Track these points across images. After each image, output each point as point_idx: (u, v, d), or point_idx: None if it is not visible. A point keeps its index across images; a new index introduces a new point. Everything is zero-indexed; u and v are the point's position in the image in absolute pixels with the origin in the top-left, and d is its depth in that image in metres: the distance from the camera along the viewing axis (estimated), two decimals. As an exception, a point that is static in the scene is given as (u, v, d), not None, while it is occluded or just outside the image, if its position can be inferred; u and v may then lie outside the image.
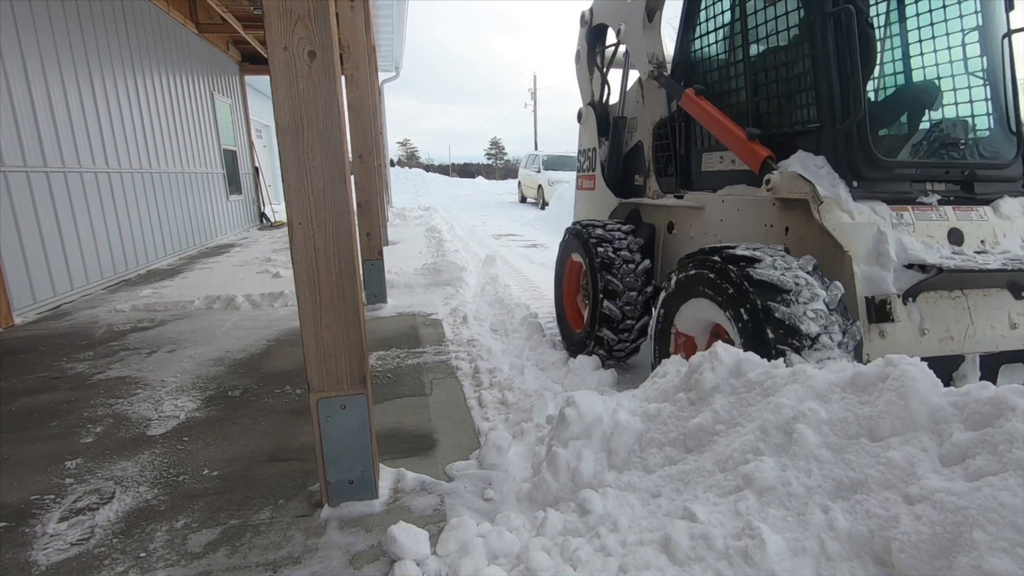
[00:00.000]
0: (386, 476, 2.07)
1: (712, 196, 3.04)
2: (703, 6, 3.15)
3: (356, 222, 2.10)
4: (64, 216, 5.09)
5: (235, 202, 10.63)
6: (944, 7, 2.64)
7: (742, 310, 2.13)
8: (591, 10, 4.27)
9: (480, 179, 37.32)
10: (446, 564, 1.60)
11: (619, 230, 3.59)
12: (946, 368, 2.28)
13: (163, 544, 1.77)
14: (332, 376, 1.78)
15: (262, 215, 12.37)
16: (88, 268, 5.46)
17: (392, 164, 28.44)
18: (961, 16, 2.61)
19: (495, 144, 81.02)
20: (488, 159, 78.03)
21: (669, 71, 3.44)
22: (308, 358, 1.76)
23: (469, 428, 2.57)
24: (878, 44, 2.78)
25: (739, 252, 2.25)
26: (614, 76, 4.26)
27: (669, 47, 3.49)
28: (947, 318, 2.28)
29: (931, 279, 2.14)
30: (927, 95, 2.63)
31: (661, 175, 3.60)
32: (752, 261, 2.18)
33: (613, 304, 3.33)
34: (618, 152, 4.15)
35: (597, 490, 1.80)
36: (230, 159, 10.48)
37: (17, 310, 4.42)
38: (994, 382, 2.29)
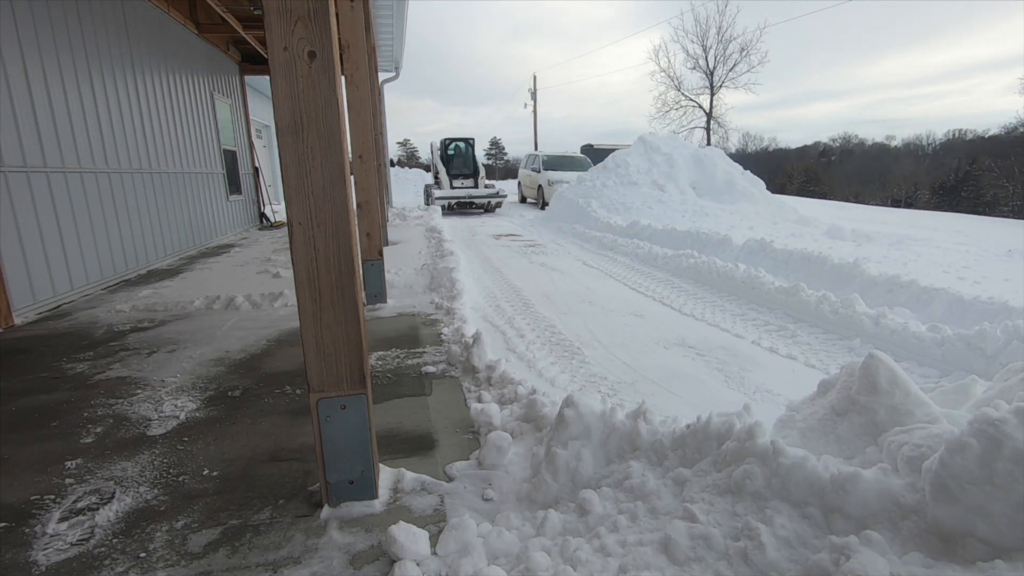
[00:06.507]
0: (386, 476, 2.07)
1: None
2: None
3: (356, 222, 2.10)
4: (64, 216, 5.09)
5: (235, 202, 10.62)
6: None
7: None
8: None
9: (480, 179, 37.18)
10: (446, 564, 1.60)
11: None
12: None
13: (163, 544, 1.77)
14: (332, 376, 1.78)
15: (262, 215, 12.36)
16: (88, 268, 5.46)
17: (392, 164, 28.41)
18: None
19: (495, 144, 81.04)
20: (488, 159, 78.05)
21: None
22: (308, 358, 1.76)
23: (469, 428, 2.57)
24: None
25: None
26: None
27: None
28: None
29: None
30: None
31: None
32: None
33: None
34: None
35: (596, 490, 1.80)
36: (230, 159, 10.47)
37: (17, 310, 4.42)
38: None
